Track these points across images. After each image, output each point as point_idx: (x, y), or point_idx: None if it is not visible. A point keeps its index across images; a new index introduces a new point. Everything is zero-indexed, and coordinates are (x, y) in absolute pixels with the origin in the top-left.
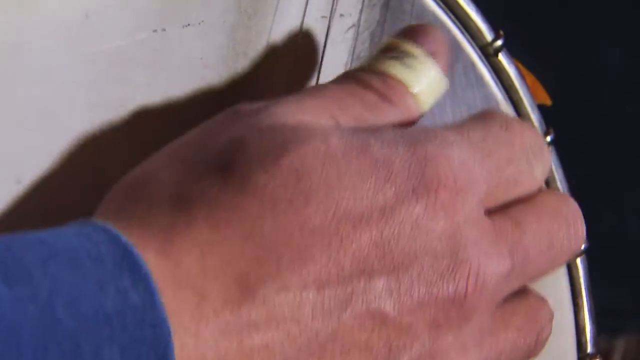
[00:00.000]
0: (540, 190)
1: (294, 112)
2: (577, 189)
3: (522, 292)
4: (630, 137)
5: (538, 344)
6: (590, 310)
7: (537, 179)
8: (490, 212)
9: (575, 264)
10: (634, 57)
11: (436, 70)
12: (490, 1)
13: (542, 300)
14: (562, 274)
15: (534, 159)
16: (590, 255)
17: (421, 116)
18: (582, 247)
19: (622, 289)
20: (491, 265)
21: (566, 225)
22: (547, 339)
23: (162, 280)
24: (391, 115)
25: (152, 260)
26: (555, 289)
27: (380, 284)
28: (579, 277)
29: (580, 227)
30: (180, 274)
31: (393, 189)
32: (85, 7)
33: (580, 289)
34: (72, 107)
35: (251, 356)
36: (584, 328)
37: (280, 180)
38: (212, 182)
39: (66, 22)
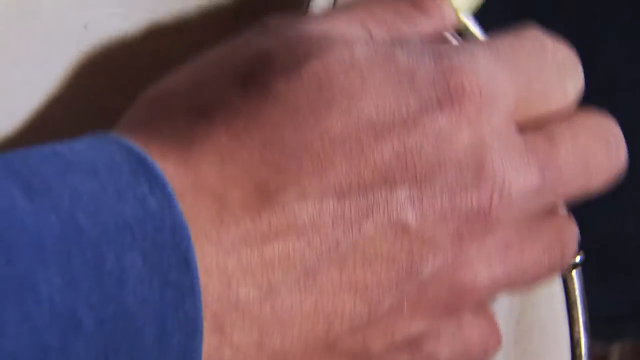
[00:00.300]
0: (578, 110)
1: (323, 23)
2: None
3: (549, 212)
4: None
5: (564, 263)
6: (585, 323)
7: (569, 95)
8: (523, 128)
9: (571, 276)
10: (635, 58)
11: None
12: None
13: (571, 222)
14: (557, 285)
15: (567, 76)
16: (587, 260)
17: (457, 28)
18: (622, 168)
19: (620, 295)
20: (518, 179)
21: (606, 145)
22: (571, 258)
23: (182, 187)
24: (426, 25)
25: (171, 169)
26: (550, 301)
27: (402, 194)
28: (574, 289)
29: (621, 149)
30: (200, 180)
31: (417, 99)
32: (85, 18)
33: (576, 300)
34: (71, 117)
35: (272, 266)
36: (578, 340)
37: (302, 88)
38: (232, 92)
39: (65, 32)
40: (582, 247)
